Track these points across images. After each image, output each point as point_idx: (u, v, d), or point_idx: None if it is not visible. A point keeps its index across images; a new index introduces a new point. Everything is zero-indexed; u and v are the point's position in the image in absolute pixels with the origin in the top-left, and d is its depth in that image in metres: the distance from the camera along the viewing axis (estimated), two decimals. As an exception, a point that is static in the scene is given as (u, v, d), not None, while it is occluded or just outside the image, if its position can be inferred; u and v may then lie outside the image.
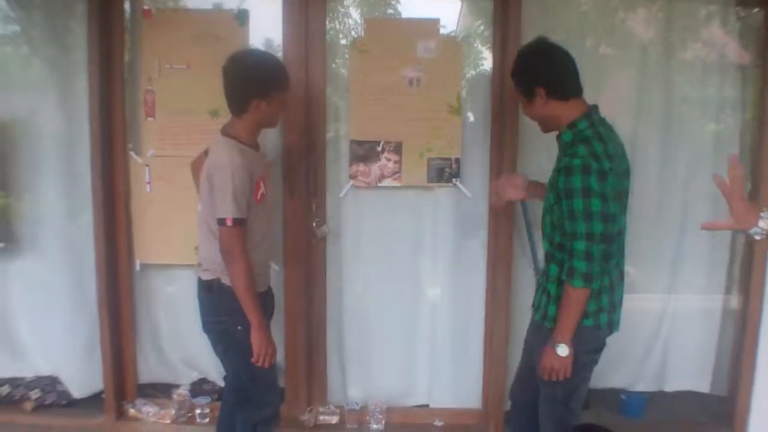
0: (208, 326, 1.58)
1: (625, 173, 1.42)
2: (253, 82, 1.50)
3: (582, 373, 1.43)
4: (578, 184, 1.27)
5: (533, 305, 1.53)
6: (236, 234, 1.46)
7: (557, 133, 1.44)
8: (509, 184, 1.64)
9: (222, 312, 1.53)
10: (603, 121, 1.42)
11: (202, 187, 1.52)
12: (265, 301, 1.67)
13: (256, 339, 1.50)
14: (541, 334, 1.45)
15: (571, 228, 1.30)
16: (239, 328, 1.51)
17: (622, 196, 1.41)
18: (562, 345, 1.35)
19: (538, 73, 1.40)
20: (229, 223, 1.44)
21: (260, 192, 1.54)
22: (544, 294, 1.46)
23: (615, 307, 1.44)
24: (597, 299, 1.37)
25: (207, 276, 1.55)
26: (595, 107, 1.42)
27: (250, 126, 1.55)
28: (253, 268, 1.53)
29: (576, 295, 1.31)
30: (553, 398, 1.46)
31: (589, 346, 1.41)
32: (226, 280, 1.52)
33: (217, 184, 1.45)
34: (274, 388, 1.66)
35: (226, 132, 1.55)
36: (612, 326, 1.43)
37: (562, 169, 1.31)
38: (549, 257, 1.46)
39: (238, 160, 1.46)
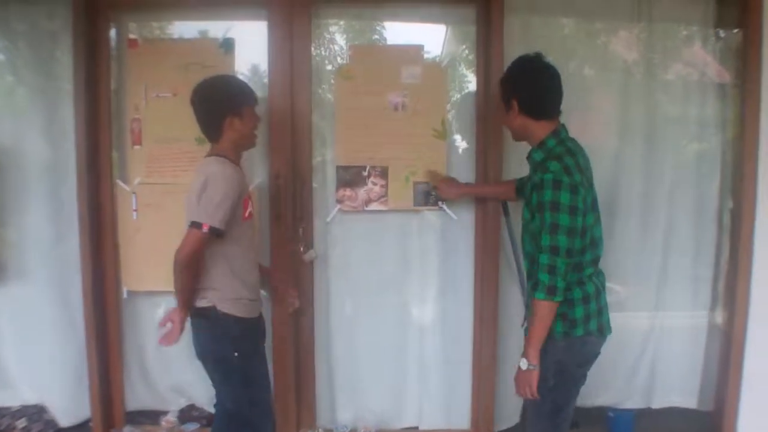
0: (204, 355, 1.57)
1: (591, 188, 1.43)
2: (222, 101, 1.53)
3: (570, 386, 1.43)
4: (548, 198, 1.30)
5: (522, 325, 1.53)
6: (203, 243, 1.45)
7: (527, 154, 1.47)
8: (446, 186, 1.82)
9: (217, 340, 1.54)
10: (570, 138, 1.45)
11: (189, 199, 1.51)
12: (258, 326, 1.68)
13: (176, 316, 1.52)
14: None
15: (539, 240, 1.33)
16: (236, 354, 1.53)
17: (595, 205, 1.43)
18: (523, 359, 1.36)
19: (516, 87, 1.43)
20: (205, 228, 1.43)
21: (248, 210, 1.57)
22: (529, 311, 1.47)
23: (602, 310, 1.45)
24: (585, 307, 1.37)
25: (203, 303, 1.54)
26: (563, 126, 1.44)
27: (230, 147, 1.57)
28: (246, 292, 1.55)
29: (540, 308, 1.33)
30: (540, 413, 1.45)
31: (581, 358, 1.41)
32: (222, 307, 1.52)
33: (208, 191, 1.45)
34: (270, 414, 1.68)
35: (211, 153, 1.57)
36: (603, 330, 1.43)
37: (535, 185, 1.33)
38: (530, 274, 1.48)
39: (232, 175, 1.49)
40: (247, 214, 1.56)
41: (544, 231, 1.30)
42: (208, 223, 1.44)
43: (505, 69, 1.83)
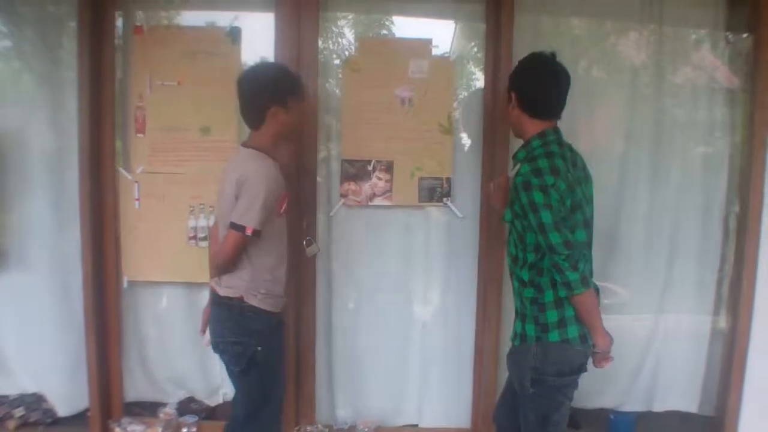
0: (224, 346, 1.52)
1: (578, 183, 1.39)
2: (269, 89, 1.48)
3: (552, 396, 1.38)
4: (524, 200, 1.31)
5: (512, 339, 1.48)
6: (244, 245, 1.45)
7: (513, 153, 1.47)
8: (495, 194, 1.65)
9: (242, 332, 1.49)
10: (559, 140, 1.41)
11: (224, 200, 1.49)
12: (282, 322, 1.65)
13: None
14: (511, 352, 1.45)
15: (539, 243, 1.32)
16: (259, 349, 1.49)
17: (581, 206, 1.38)
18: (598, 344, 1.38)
19: (518, 80, 1.42)
20: (248, 231, 1.41)
21: (284, 205, 1.53)
22: (515, 314, 1.46)
23: None
24: (559, 311, 1.34)
25: (229, 293, 1.50)
26: (554, 128, 1.41)
27: (270, 137, 1.52)
28: (275, 287, 1.53)
29: (573, 303, 1.33)
30: (526, 422, 1.43)
31: (558, 367, 1.35)
32: (251, 300, 1.49)
33: (248, 191, 1.42)
34: (280, 411, 1.65)
35: (248, 145, 1.52)
36: (586, 338, 1.37)
37: (512, 190, 1.35)
38: (511, 274, 1.47)
39: (274, 174, 1.46)
40: (282, 210, 1.53)
41: (537, 233, 1.31)
42: (252, 226, 1.42)
43: (512, 65, 1.78)
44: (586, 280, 1.34)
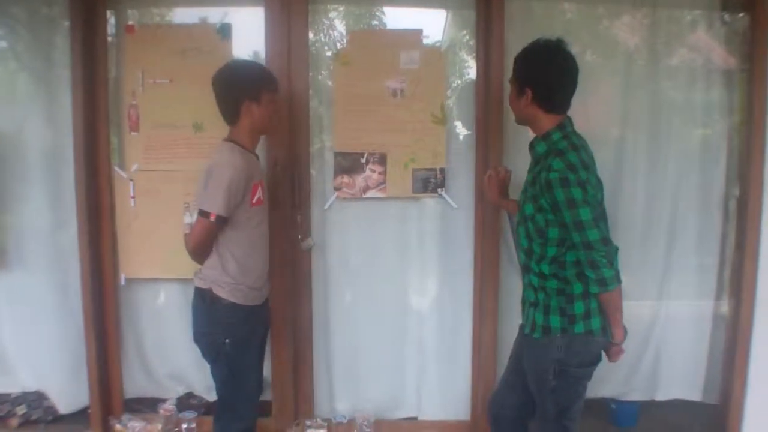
0: (198, 336, 1.59)
1: (599, 183, 1.41)
2: (240, 85, 1.54)
3: (574, 388, 1.39)
4: (561, 197, 1.27)
5: (521, 325, 1.50)
6: (212, 231, 1.50)
7: (529, 143, 1.43)
8: (488, 186, 1.70)
9: (211, 323, 1.55)
10: (575, 132, 1.41)
11: (197, 191, 1.55)
12: (262, 314, 1.67)
13: None
14: (531, 345, 1.43)
15: (572, 239, 1.31)
16: (227, 341, 1.52)
17: (602, 202, 1.41)
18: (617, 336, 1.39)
19: (534, 76, 1.37)
20: (212, 218, 1.46)
21: (256, 196, 1.56)
22: (529, 306, 1.44)
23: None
24: (585, 302, 1.35)
25: (201, 284, 1.55)
26: (569, 119, 1.40)
27: (247, 132, 1.58)
28: (245, 279, 1.54)
29: (603, 301, 1.34)
30: (545, 415, 1.43)
31: (581, 358, 1.37)
32: (218, 291, 1.53)
33: (213, 178, 1.47)
34: (254, 403, 1.66)
35: (226, 139, 1.59)
36: (606, 330, 1.39)
37: (542, 186, 1.30)
38: (526, 269, 1.46)
39: (239, 162, 1.49)
40: (255, 200, 1.55)
41: (572, 230, 1.29)
42: (215, 212, 1.46)
43: (506, 52, 1.85)
44: (618, 276, 1.33)
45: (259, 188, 1.58)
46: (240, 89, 1.53)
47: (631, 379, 2.13)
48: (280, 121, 1.88)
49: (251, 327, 1.62)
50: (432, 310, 2.10)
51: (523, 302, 1.50)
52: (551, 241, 1.33)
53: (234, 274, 1.54)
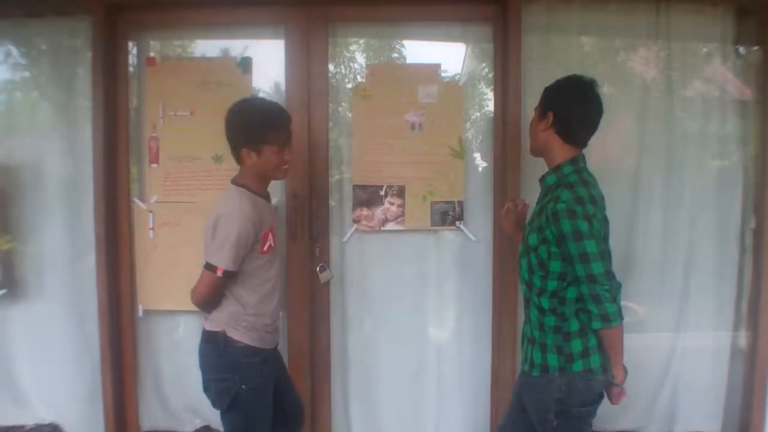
0: (209, 384, 1.49)
1: (605, 222, 1.40)
2: (239, 132, 1.46)
3: (578, 427, 1.36)
4: (567, 228, 1.26)
5: (523, 365, 1.46)
6: (219, 285, 1.44)
7: (541, 176, 1.43)
8: (506, 219, 1.66)
9: (225, 369, 1.46)
10: (586, 169, 1.41)
11: (204, 239, 1.48)
12: (275, 358, 1.60)
13: None
14: (529, 383, 1.40)
15: (576, 272, 1.29)
16: (243, 387, 1.44)
17: (607, 240, 1.39)
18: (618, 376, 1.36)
19: (560, 102, 1.37)
20: (219, 273, 1.40)
21: (267, 244, 1.49)
22: (528, 342, 1.42)
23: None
24: (583, 340, 1.32)
25: (212, 327, 1.48)
26: (582, 156, 1.40)
27: (254, 175, 1.51)
28: (260, 321, 1.49)
29: (604, 338, 1.32)
30: None
31: (583, 398, 1.33)
32: (233, 333, 1.45)
33: (220, 230, 1.41)
34: None
35: (235, 181, 1.53)
36: (607, 368, 1.36)
37: (549, 217, 1.29)
38: (527, 301, 1.43)
39: (248, 211, 1.43)
40: (266, 248, 1.48)
41: (576, 262, 1.27)
42: (222, 266, 1.40)
43: (523, 85, 1.86)
44: (621, 313, 1.31)
45: (270, 235, 1.51)
46: (238, 136, 1.46)
47: (650, 411, 2.11)
48: (300, 153, 1.88)
49: (269, 371, 1.54)
50: (451, 344, 2.08)
51: (523, 337, 1.48)
52: (552, 274, 1.32)
53: (250, 318, 1.48)
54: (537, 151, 1.45)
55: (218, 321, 1.48)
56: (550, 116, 1.36)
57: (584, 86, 1.37)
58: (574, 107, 1.36)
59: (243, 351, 1.46)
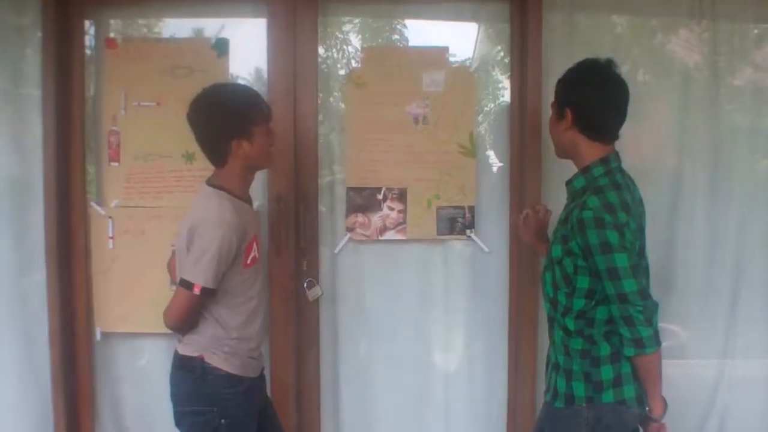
0: (181, 417, 1.35)
1: (640, 231, 1.28)
2: (225, 121, 1.33)
3: None
4: (594, 240, 1.15)
5: (545, 394, 1.35)
6: (197, 305, 1.30)
7: (567, 180, 1.32)
8: (524, 227, 1.54)
9: (202, 400, 1.33)
10: (621, 169, 1.29)
11: (179, 246, 1.35)
12: (259, 388, 1.46)
13: None
14: (551, 416, 1.30)
15: (605, 290, 1.19)
16: (222, 421, 1.31)
17: (643, 253, 1.28)
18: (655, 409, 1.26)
19: (574, 94, 1.27)
20: (196, 290, 1.28)
21: (251, 255, 1.37)
22: (552, 368, 1.32)
23: None
24: (615, 366, 1.22)
25: (187, 351, 1.35)
26: (616, 154, 1.28)
27: (239, 173, 1.37)
28: (243, 346, 1.35)
29: (639, 366, 1.21)
30: None
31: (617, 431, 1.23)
32: (212, 359, 1.32)
33: (197, 240, 1.28)
34: None
35: (212, 183, 1.38)
36: (643, 400, 1.24)
37: (574, 225, 1.19)
38: (551, 322, 1.32)
39: (229, 218, 1.30)
40: (249, 260, 1.36)
41: (605, 278, 1.17)
42: (200, 284, 1.27)
43: (544, 71, 1.69)
44: (658, 337, 1.19)
45: (254, 245, 1.38)
46: (225, 126, 1.32)
47: (694, 447, 1.92)
48: (284, 151, 1.71)
49: (252, 403, 1.41)
50: (460, 371, 1.89)
51: (547, 362, 1.39)
52: (579, 291, 1.22)
53: (232, 342, 1.35)
54: (562, 153, 1.36)
55: (195, 345, 1.35)
56: (569, 113, 1.26)
57: (600, 69, 1.27)
58: (592, 97, 1.25)
59: (224, 380, 1.34)
